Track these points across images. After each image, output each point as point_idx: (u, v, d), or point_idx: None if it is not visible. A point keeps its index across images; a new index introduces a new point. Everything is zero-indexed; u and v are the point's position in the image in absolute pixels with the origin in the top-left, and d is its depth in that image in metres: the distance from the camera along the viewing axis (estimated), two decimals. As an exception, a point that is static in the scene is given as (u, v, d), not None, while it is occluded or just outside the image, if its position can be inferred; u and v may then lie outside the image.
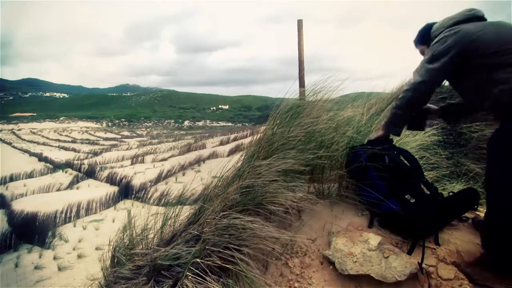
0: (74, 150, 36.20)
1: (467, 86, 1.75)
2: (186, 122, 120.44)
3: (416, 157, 2.12)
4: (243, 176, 1.82)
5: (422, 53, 2.00)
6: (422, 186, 1.91)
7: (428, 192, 1.90)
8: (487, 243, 1.65)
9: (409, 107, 1.85)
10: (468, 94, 1.81)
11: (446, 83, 2.22)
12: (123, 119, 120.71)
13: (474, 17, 1.77)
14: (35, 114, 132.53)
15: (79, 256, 8.66)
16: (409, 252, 1.67)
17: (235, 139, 29.09)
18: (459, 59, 1.68)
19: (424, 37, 1.98)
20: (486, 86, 1.63)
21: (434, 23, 1.94)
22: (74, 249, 9.29)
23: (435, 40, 1.77)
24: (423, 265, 1.59)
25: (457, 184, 3.11)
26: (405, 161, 1.95)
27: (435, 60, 1.71)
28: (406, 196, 1.91)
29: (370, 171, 1.86)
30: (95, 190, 16.67)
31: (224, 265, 1.51)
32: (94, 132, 62.87)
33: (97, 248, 8.64)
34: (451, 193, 1.96)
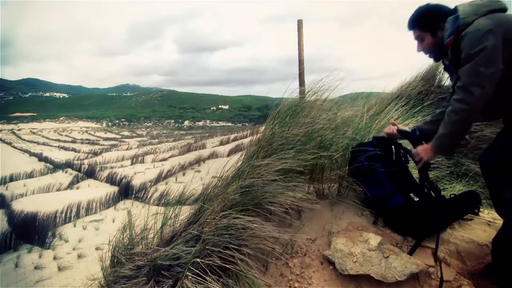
0: (74, 150, 36.20)
1: (502, 90, 1.46)
2: (186, 122, 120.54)
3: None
4: (242, 176, 1.82)
5: (418, 39, 1.73)
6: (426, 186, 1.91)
7: (432, 193, 1.89)
8: (497, 252, 1.56)
9: (468, 127, 1.59)
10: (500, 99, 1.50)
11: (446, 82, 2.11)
12: (123, 119, 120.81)
13: (505, 8, 1.53)
14: (35, 114, 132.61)
15: (79, 256, 8.65)
16: (410, 253, 1.67)
17: (235, 139, 29.07)
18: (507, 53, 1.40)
19: (426, 22, 1.67)
20: None
21: (439, 6, 1.65)
22: (74, 249, 9.27)
23: (472, 30, 1.44)
24: (423, 266, 1.59)
25: (457, 184, 3.10)
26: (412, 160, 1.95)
27: (492, 62, 1.39)
28: (410, 195, 1.91)
29: (377, 168, 1.84)
30: (95, 190, 16.66)
31: (224, 265, 1.51)
32: (94, 132, 62.88)
33: (97, 248, 8.62)
34: (452, 195, 1.96)
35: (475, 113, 1.48)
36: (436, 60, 1.80)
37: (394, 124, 1.95)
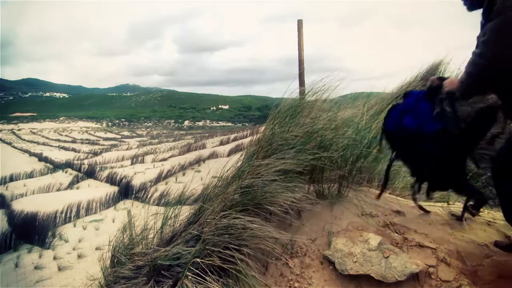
0: (74, 150, 36.21)
1: None
2: (186, 122, 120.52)
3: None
4: (242, 176, 1.82)
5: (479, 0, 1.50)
6: None
7: None
8: None
9: (482, 81, 1.47)
10: None
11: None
12: (123, 119, 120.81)
13: None
14: (35, 114, 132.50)
15: (79, 256, 8.65)
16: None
17: (235, 139, 29.06)
18: None
19: None
20: None
21: None
22: (74, 249, 9.27)
23: None
24: (423, 266, 1.59)
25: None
26: None
27: None
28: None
29: (422, 102, 1.87)
30: (95, 190, 16.66)
31: (224, 265, 1.51)
32: (94, 132, 62.88)
33: (97, 248, 8.63)
34: None
35: (490, 70, 1.40)
36: (469, 8, 1.63)
37: None
